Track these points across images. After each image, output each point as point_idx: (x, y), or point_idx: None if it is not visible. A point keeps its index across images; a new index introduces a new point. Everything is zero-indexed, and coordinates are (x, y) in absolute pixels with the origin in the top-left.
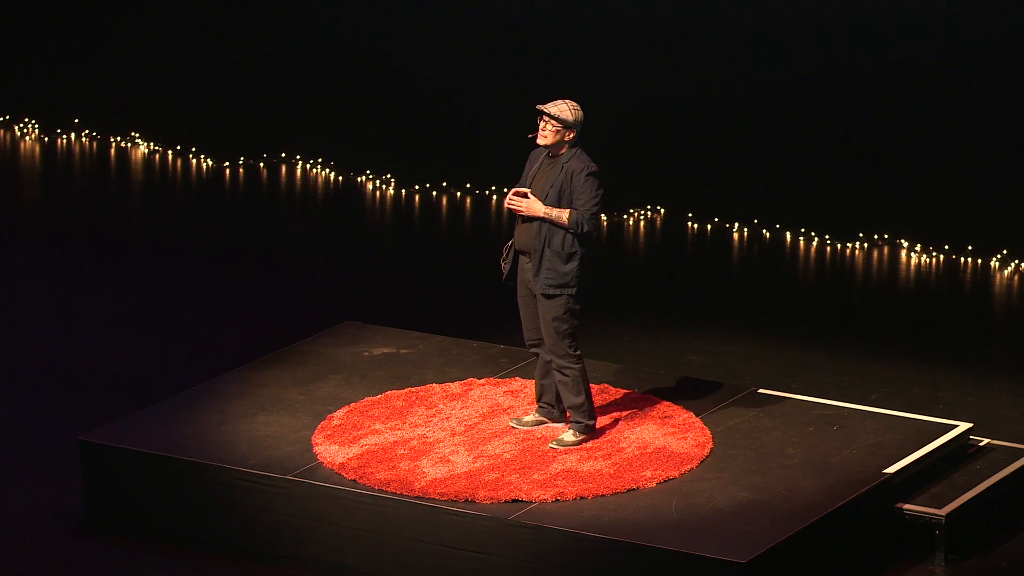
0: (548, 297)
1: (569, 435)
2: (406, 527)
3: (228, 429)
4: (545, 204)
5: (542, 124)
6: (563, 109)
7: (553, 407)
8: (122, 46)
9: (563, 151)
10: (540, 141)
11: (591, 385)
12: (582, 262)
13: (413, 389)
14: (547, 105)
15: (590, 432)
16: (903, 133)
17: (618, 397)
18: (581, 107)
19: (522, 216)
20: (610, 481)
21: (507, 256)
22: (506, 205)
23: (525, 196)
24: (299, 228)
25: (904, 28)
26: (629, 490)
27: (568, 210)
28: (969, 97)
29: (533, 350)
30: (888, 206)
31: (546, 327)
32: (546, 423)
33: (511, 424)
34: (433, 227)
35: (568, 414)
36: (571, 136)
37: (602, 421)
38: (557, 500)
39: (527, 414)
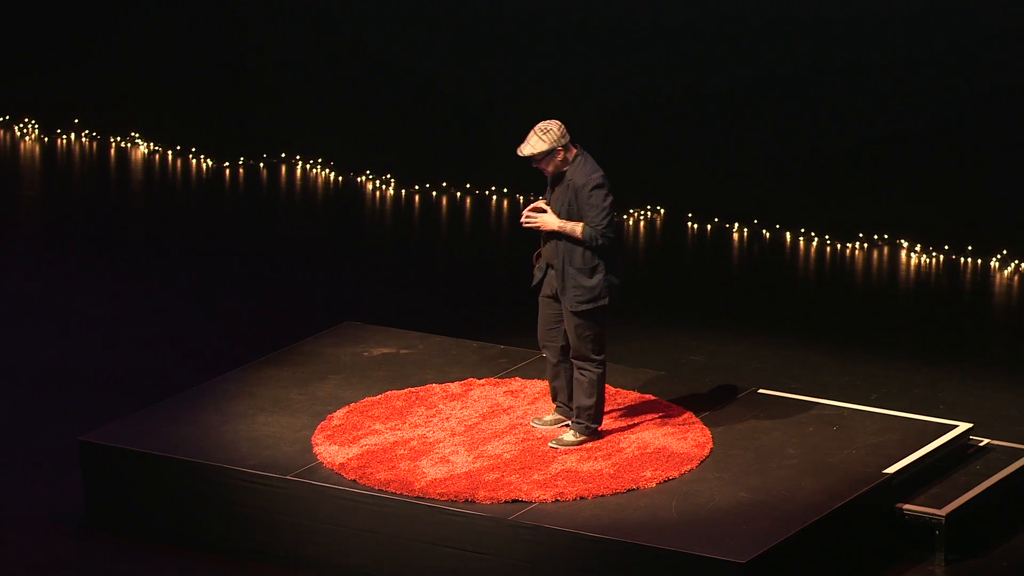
0: (578, 314)
1: (569, 435)
2: (406, 527)
3: (228, 429)
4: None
5: (533, 163)
6: (535, 144)
7: (570, 407)
8: (122, 46)
9: (566, 169)
10: (546, 174)
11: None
12: (607, 272)
13: (413, 389)
14: (521, 149)
15: (591, 435)
16: (903, 133)
17: (618, 397)
18: (553, 120)
19: (544, 232)
20: (610, 481)
21: (538, 264)
22: (523, 222)
23: (543, 211)
24: (299, 228)
25: (905, 28)
26: (629, 490)
27: (581, 224)
28: (969, 97)
29: (544, 352)
30: (888, 206)
31: (571, 331)
32: (564, 421)
33: (532, 423)
34: (433, 227)
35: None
36: (562, 155)
37: (603, 421)
38: (557, 500)
39: (548, 413)
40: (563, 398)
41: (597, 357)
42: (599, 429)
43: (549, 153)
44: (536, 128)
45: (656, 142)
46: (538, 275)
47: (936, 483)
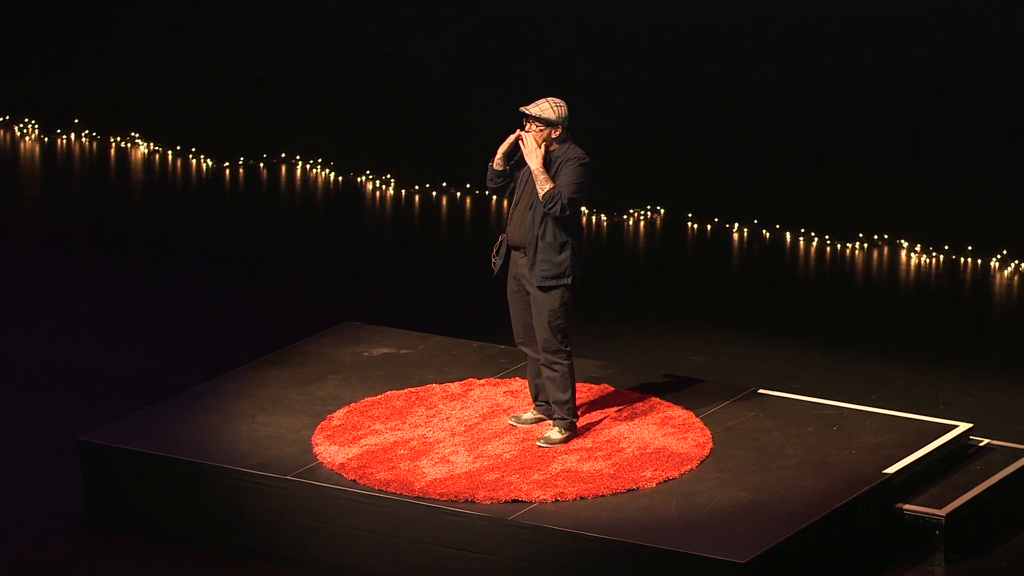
0: (544, 290)
1: (555, 433)
2: (406, 527)
3: (228, 429)
4: (534, 200)
5: (527, 126)
6: (544, 108)
7: (551, 405)
8: (122, 46)
9: (553, 148)
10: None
11: (582, 384)
12: (573, 252)
13: (413, 389)
14: (529, 107)
15: (573, 430)
16: (903, 133)
17: (618, 397)
18: (564, 102)
19: (515, 211)
20: (610, 481)
21: (497, 251)
22: (521, 135)
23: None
24: (299, 228)
25: (904, 28)
26: (629, 490)
27: (552, 183)
28: (969, 97)
29: (524, 349)
30: (888, 206)
31: (539, 321)
32: (545, 420)
33: (509, 422)
34: (433, 227)
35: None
36: (558, 133)
37: (603, 421)
38: (557, 500)
39: (526, 412)
40: (545, 396)
41: (565, 348)
42: (597, 427)
43: (550, 123)
44: (550, 98)
45: (656, 142)
46: (499, 262)
47: (936, 483)
